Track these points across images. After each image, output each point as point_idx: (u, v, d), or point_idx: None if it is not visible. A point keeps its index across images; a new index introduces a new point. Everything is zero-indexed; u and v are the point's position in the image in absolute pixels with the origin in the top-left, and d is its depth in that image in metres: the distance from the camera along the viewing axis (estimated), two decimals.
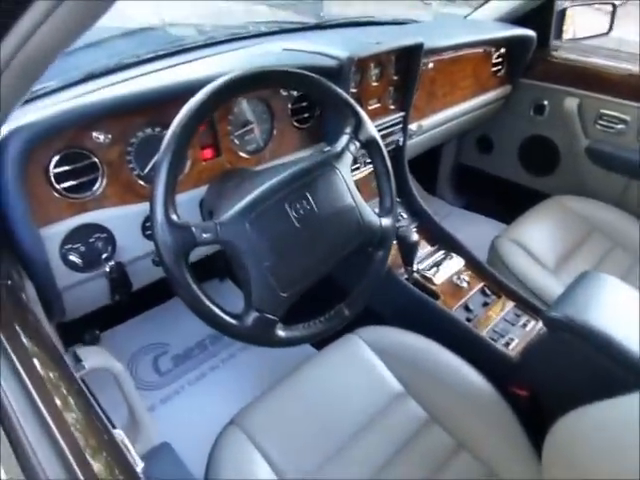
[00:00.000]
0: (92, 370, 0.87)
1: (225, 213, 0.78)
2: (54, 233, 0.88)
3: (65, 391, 0.58)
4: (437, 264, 1.41)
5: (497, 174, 2.29)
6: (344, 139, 0.94)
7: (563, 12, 1.91)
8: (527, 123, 2.08)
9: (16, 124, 0.78)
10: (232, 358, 1.67)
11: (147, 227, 1.00)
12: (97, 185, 0.92)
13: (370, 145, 0.98)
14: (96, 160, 0.91)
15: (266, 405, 1.02)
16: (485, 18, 1.99)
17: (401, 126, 1.51)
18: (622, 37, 2.25)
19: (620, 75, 1.81)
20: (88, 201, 0.92)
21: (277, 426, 0.99)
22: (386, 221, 0.97)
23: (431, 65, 1.56)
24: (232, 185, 0.96)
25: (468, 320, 1.28)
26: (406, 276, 1.36)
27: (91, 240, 0.93)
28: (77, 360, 0.85)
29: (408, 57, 1.42)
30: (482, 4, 2.00)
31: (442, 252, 1.47)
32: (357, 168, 1.43)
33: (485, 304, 1.34)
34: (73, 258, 0.92)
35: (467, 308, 1.31)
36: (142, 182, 0.98)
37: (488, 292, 1.37)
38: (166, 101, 0.94)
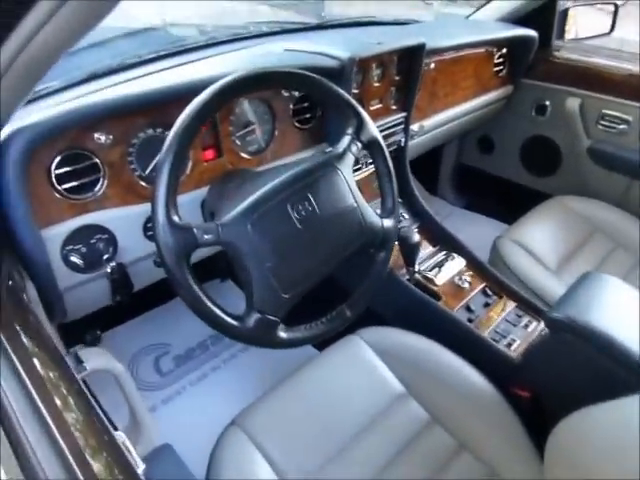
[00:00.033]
0: (93, 371, 0.86)
1: (227, 214, 0.78)
2: (55, 234, 0.88)
3: (65, 391, 0.58)
4: (439, 265, 1.41)
5: (498, 174, 2.29)
6: (346, 140, 0.94)
7: (565, 12, 1.90)
8: (529, 123, 2.08)
9: (18, 124, 0.78)
10: (233, 359, 1.67)
11: (148, 228, 1.00)
12: (98, 186, 0.92)
13: (372, 146, 0.98)
14: (97, 161, 0.91)
15: (267, 406, 1.02)
16: (487, 18, 1.99)
17: (403, 126, 1.51)
18: (624, 37, 2.24)
19: (622, 75, 1.80)
20: (89, 202, 0.92)
21: (278, 427, 0.99)
22: (388, 222, 0.97)
23: (433, 65, 1.56)
24: (234, 186, 0.96)
25: (470, 321, 1.27)
26: (407, 277, 1.36)
27: (92, 241, 0.93)
28: (79, 361, 0.85)
29: (410, 57, 1.42)
30: (484, 4, 2.00)
31: (443, 253, 1.47)
32: (359, 168, 1.43)
33: (486, 305, 1.33)
34: (74, 259, 0.92)
35: (468, 309, 1.31)
36: (143, 183, 0.98)
37: (489, 293, 1.37)
38: (168, 102, 0.94)
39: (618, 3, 1.90)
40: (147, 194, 0.97)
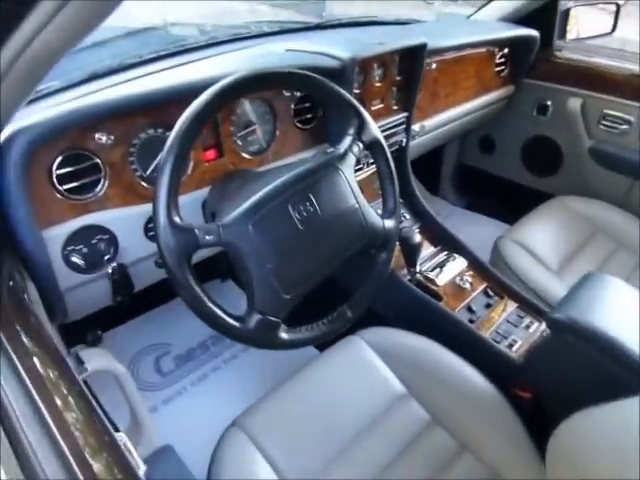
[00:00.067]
0: (94, 372, 0.86)
1: (228, 215, 0.78)
2: (56, 235, 0.88)
3: (66, 392, 0.58)
4: (440, 265, 1.41)
5: (499, 174, 2.29)
6: (347, 140, 0.94)
7: (567, 12, 1.90)
8: (530, 123, 2.08)
9: (19, 125, 0.78)
10: (234, 359, 1.67)
11: (149, 228, 1.00)
12: (99, 186, 0.92)
13: (373, 146, 0.97)
14: (98, 161, 0.91)
15: (268, 406, 1.02)
16: (488, 18, 1.99)
17: (404, 127, 1.50)
18: (625, 37, 2.24)
19: (624, 75, 1.80)
20: (90, 202, 0.92)
21: (279, 427, 0.99)
22: (389, 223, 0.97)
23: (434, 65, 1.56)
24: (235, 186, 0.96)
25: (471, 321, 1.27)
26: (409, 277, 1.35)
27: (93, 241, 0.93)
28: (79, 362, 0.85)
29: (411, 57, 1.41)
30: (485, 4, 2.00)
31: (445, 253, 1.47)
32: (360, 169, 1.43)
33: (488, 305, 1.33)
34: (75, 259, 0.91)
35: (470, 309, 1.31)
36: (144, 183, 0.98)
37: (491, 293, 1.37)
38: (169, 102, 0.94)
39: (619, 3, 1.90)
40: (148, 194, 0.97)
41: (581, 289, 1.05)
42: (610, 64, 1.87)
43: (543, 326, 1.28)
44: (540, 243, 1.59)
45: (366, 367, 1.11)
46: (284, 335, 0.83)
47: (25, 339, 0.64)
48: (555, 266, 1.55)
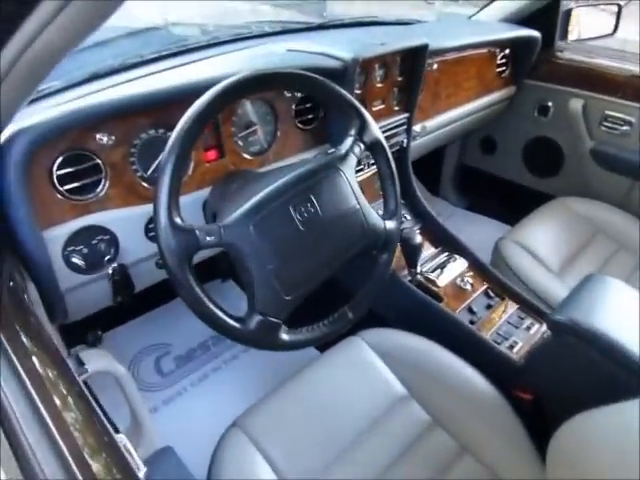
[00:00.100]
0: (95, 373, 0.86)
1: (229, 216, 0.78)
2: (57, 235, 0.88)
3: (65, 393, 0.58)
4: (440, 266, 1.41)
5: (500, 175, 2.29)
6: (348, 141, 0.94)
7: (568, 13, 1.89)
8: (531, 124, 2.08)
9: (20, 125, 0.78)
10: (235, 359, 1.67)
11: (150, 229, 1.00)
12: (100, 187, 0.92)
13: (375, 147, 0.97)
14: (99, 162, 0.91)
15: (268, 407, 1.02)
16: (490, 18, 1.98)
17: (405, 127, 1.50)
18: (626, 37, 2.23)
19: (625, 76, 1.80)
20: (91, 203, 0.92)
21: (280, 428, 0.99)
22: (390, 224, 0.96)
23: (435, 66, 1.56)
24: (236, 187, 0.96)
25: (472, 322, 1.27)
26: (409, 278, 1.35)
27: (94, 242, 0.93)
28: (80, 363, 0.85)
29: (413, 58, 1.41)
30: (487, 4, 1.99)
31: (445, 254, 1.46)
32: (361, 169, 1.43)
33: (489, 306, 1.33)
34: (76, 260, 0.91)
35: (471, 310, 1.31)
36: (145, 184, 0.98)
37: (492, 294, 1.36)
38: (170, 102, 0.94)
39: (621, 3, 1.90)
40: (149, 195, 0.97)
41: (582, 291, 1.05)
42: (611, 65, 1.87)
43: (544, 327, 1.28)
44: (541, 244, 1.58)
45: (367, 368, 1.11)
46: (285, 336, 0.83)
47: (25, 340, 0.63)
48: (556, 267, 1.55)
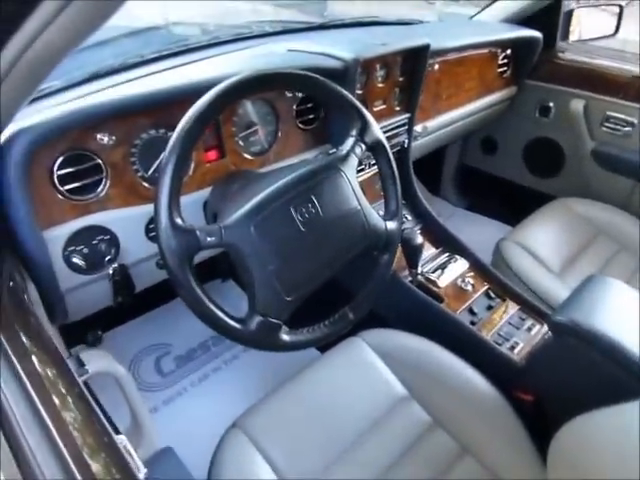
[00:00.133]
0: (95, 374, 0.86)
1: (230, 216, 0.78)
2: (57, 235, 0.88)
3: (65, 393, 0.57)
4: (441, 267, 1.40)
5: (501, 175, 2.28)
6: (350, 141, 0.93)
7: (570, 13, 1.89)
8: (532, 124, 2.07)
9: (21, 125, 0.78)
10: (235, 359, 1.67)
11: (151, 229, 0.99)
12: (101, 187, 0.92)
13: (376, 148, 0.97)
14: (100, 162, 0.91)
15: (269, 408, 1.02)
16: (491, 19, 1.98)
17: (406, 127, 1.50)
18: (627, 38, 2.23)
19: (626, 77, 1.80)
20: (92, 203, 0.92)
21: (280, 429, 0.99)
22: (391, 225, 0.96)
23: (437, 66, 1.56)
24: (237, 187, 0.96)
25: (472, 323, 1.27)
26: (410, 279, 1.35)
27: (94, 242, 0.93)
28: (80, 364, 0.85)
29: (414, 58, 1.41)
30: (488, 4, 1.99)
31: (446, 254, 1.46)
32: (361, 169, 1.42)
33: (489, 307, 1.33)
34: (76, 260, 0.91)
35: (471, 311, 1.31)
36: (146, 184, 0.98)
37: (492, 295, 1.36)
38: (171, 102, 0.94)
39: (622, 4, 1.89)
40: (149, 195, 0.97)
41: (583, 292, 1.05)
42: (613, 66, 1.86)
43: (545, 328, 1.27)
44: (542, 245, 1.58)
45: (367, 369, 1.10)
46: (285, 337, 0.82)
47: (25, 340, 0.63)
48: (557, 268, 1.54)
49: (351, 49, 1.21)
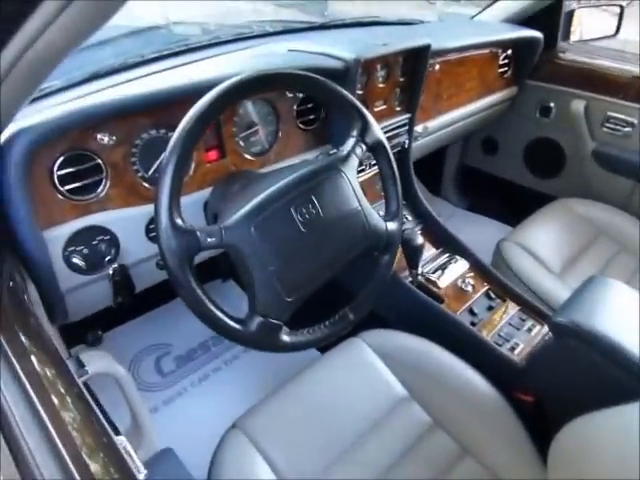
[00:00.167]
0: (95, 375, 0.86)
1: (230, 217, 0.77)
2: (57, 235, 0.88)
3: (65, 394, 0.57)
4: (442, 267, 1.40)
5: (502, 176, 2.28)
6: (350, 142, 0.93)
7: (571, 13, 1.89)
8: (533, 125, 2.07)
9: (21, 125, 0.78)
10: (235, 360, 1.67)
11: (151, 229, 0.99)
12: (101, 187, 0.92)
13: (376, 148, 0.97)
14: (100, 162, 0.90)
15: (269, 408, 1.02)
16: (492, 19, 1.98)
17: (407, 128, 1.50)
18: (627, 38, 2.23)
19: (627, 77, 1.80)
20: (92, 203, 0.91)
21: (280, 430, 0.99)
22: (392, 225, 0.96)
23: (437, 67, 1.55)
24: (237, 188, 0.96)
25: (473, 324, 1.27)
26: (410, 279, 1.35)
27: (94, 242, 0.93)
28: (80, 365, 0.85)
29: (415, 58, 1.41)
30: (489, 4, 1.99)
31: (447, 255, 1.46)
32: (362, 170, 1.42)
33: (490, 308, 1.33)
34: (76, 260, 0.91)
35: (472, 312, 1.30)
36: (146, 184, 0.98)
37: (493, 296, 1.36)
38: (172, 102, 0.94)
39: (623, 4, 1.89)
40: (150, 195, 0.97)
41: (584, 292, 1.05)
42: (613, 66, 1.86)
43: (545, 329, 1.27)
44: (542, 245, 1.58)
45: (367, 369, 1.10)
46: (286, 338, 0.82)
47: (25, 341, 0.63)
48: (557, 269, 1.54)
49: (352, 49, 1.21)
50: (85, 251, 0.92)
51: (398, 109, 1.47)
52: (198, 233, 0.73)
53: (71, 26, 0.49)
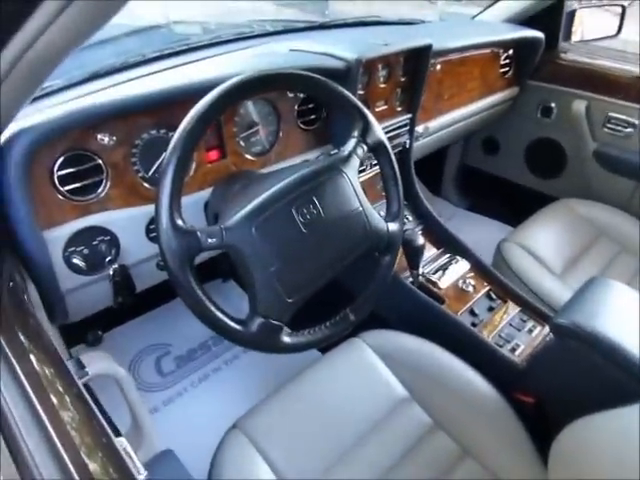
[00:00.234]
0: (95, 376, 0.86)
1: (231, 217, 0.77)
2: (57, 236, 0.88)
3: (64, 393, 0.57)
4: (442, 268, 1.40)
5: (503, 176, 2.28)
6: (351, 142, 0.93)
7: (572, 13, 1.88)
8: (534, 125, 2.07)
9: (21, 125, 0.77)
10: (235, 359, 1.67)
11: (151, 230, 0.99)
12: (101, 187, 0.92)
13: (378, 149, 0.97)
14: (100, 162, 0.90)
15: (269, 409, 1.01)
16: (493, 19, 1.98)
17: (408, 128, 1.49)
18: (627, 38, 2.23)
19: (628, 78, 1.80)
20: (92, 203, 0.91)
21: (280, 430, 0.99)
22: (393, 226, 0.96)
23: (439, 67, 1.55)
24: (238, 188, 0.96)
25: (473, 325, 1.27)
26: (411, 280, 1.35)
27: (95, 243, 0.93)
28: (81, 366, 0.84)
29: (416, 58, 1.40)
30: (491, 4, 1.99)
31: (447, 255, 1.46)
32: (363, 170, 1.42)
33: (491, 309, 1.32)
34: (76, 261, 0.91)
35: (472, 312, 1.30)
36: (147, 184, 0.98)
37: (494, 296, 1.36)
38: (172, 102, 0.93)
39: (625, 4, 1.89)
40: (150, 195, 0.97)
41: (585, 294, 1.05)
42: (615, 66, 1.86)
43: (546, 330, 1.27)
44: (543, 246, 1.58)
45: (368, 370, 1.10)
46: (286, 339, 0.82)
47: (24, 341, 0.63)
48: (558, 269, 1.54)
49: (353, 49, 1.21)
50: (85, 251, 0.92)
51: (399, 109, 1.47)
52: (199, 234, 0.73)
53: (71, 26, 0.49)
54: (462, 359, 1.12)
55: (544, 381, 1.11)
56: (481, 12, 2.03)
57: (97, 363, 0.88)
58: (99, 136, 0.89)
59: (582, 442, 0.81)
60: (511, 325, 1.29)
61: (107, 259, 0.95)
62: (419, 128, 1.56)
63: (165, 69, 1.11)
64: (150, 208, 0.80)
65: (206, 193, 1.05)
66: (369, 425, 1.01)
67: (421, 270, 1.35)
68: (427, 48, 1.37)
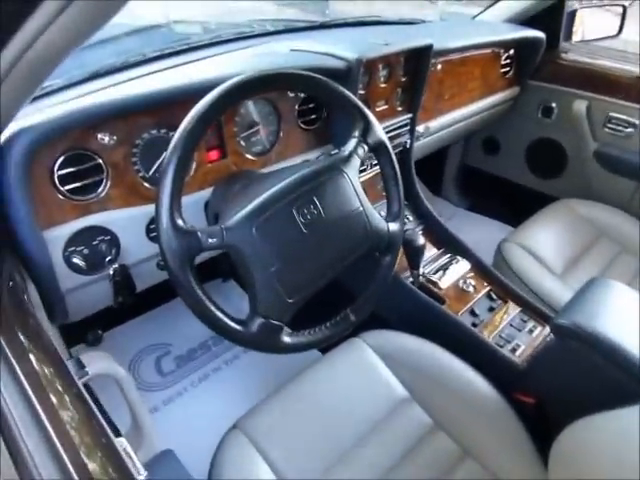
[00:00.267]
0: (95, 376, 0.86)
1: (231, 217, 0.77)
2: (57, 235, 0.87)
3: (64, 393, 0.57)
4: (443, 268, 1.40)
5: (503, 176, 2.28)
6: (352, 142, 0.93)
7: (573, 13, 1.88)
8: (535, 125, 2.07)
9: (21, 124, 0.77)
10: (235, 359, 1.67)
11: (151, 229, 0.99)
12: (102, 187, 0.92)
13: (379, 149, 0.96)
14: (101, 162, 0.90)
15: (269, 409, 1.01)
16: (494, 19, 1.98)
17: (408, 128, 1.49)
18: (627, 38, 2.23)
19: (629, 78, 1.80)
20: (92, 203, 0.91)
21: (281, 430, 0.99)
22: (394, 226, 0.96)
23: (439, 66, 1.55)
24: (238, 188, 0.95)
25: (474, 325, 1.26)
26: (412, 280, 1.34)
27: (95, 242, 0.93)
28: (81, 366, 0.84)
29: (417, 58, 1.40)
30: (491, 4, 1.99)
31: (448, 255, 1.46)
32: (363, 170, 1.42)
33: (491, 309, 1.32)
34: (77, 261, 0.91)
35: (473, 313, 1.30)
36: (147, 184, 0.97)
37: (494, 297, 1.36)
38: (173, 102, 0.93)
39: (625, 4, 1.89)
40: (150, 195, 0.97)
41: (585, 294, 1.05)
42: (615, 67, 1.86)
43: (546, 330, 1.27)
44: (544, 246, 1.58)
45: (368, 370, 1.10)
46: (287, 339, 0.82)
47: (24, 341, 0.63)
48: (559, 270, 1.54)
49: (354, 49, 1.21)
50: (85, 251, 0.92)
51: (400, 109, 1.47)
52: (199, 234, 0.73)
53: (71, 26, 0.49)
54: (462, 359, 1.12)
55: (544, 381, 1.11)
56: (482, 12, 2.02)
57: (97, 363, 0.88)
58: (99, 136, 0.89)
59: (582, 442, 0.81)
60: (511, 325, 1.28)
61: (107, 259, 0.95)
62: (420, 128, 1.56)
63: (165, 69, 1.11)
64: (150, 208, 0.79)
65: (206, 193, 1.04)
66: (369, 425, 1.01)
67: (421, 270, 1.35)
68: (428, 48, 1.37)
